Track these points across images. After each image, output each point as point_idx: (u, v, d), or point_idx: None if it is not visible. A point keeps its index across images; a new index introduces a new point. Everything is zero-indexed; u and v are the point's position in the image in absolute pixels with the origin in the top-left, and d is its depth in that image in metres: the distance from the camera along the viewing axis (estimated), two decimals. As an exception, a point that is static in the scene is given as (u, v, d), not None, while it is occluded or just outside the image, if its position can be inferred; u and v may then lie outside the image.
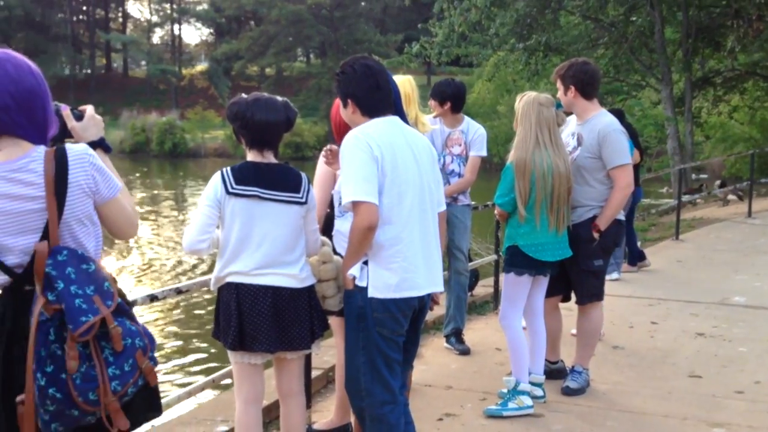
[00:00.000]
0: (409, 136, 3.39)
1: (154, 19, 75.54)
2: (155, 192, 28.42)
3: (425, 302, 3.42)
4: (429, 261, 3.37)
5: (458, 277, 5.84)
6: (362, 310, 3.27)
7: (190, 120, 49.54)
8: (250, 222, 3.29)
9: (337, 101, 3.72)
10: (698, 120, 21.68)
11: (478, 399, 4.91)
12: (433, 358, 5.79)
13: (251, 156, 3.40)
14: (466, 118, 5.80)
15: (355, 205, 3.17)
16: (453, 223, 5.67)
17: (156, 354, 2.42)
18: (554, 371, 5.26)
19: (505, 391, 4.74)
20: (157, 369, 2.40)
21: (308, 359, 4.36)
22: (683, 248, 10.90)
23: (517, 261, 4.67)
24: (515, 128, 4.75)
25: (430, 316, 6.75)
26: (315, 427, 4.29)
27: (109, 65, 73.28)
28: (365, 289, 3.26)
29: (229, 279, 3.31)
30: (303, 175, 3.45)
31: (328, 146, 3.90)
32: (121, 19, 75.14)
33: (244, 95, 3.48)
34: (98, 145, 2.56)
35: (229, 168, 3.37)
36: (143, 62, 69.79)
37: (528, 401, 4.64)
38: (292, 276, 3.34)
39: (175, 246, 16.99)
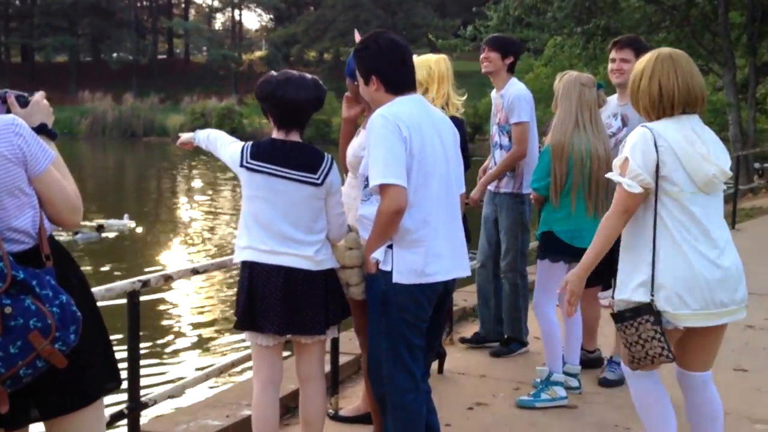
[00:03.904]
0: (434, 116, 3.31)
1: (216, 4, 76.46)
2: (215, 174, 28.78)
3: (451, 287, 3.34)
4: (454, 245, 3.29)
5: None
6: (385, 295, 3.20)
7: (249, 105, 50.01)
8: (261, 198, 3.29)
9: None
10: (763, 107, 21.02)
11: (512, 388, 4.81)
12: (469, 346, 5.69)
13: (277, 135, 3.38)
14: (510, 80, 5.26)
15: (383, 188, 3.10)
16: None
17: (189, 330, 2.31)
18: (591, 360, 5.13)
19: (538, 381, 4.64)
20: (181, 347, 2.31)
21: (336, 344, 4.33)
22: (739, 238, 10.50)
23: (552, 247, 4.54)
24: (554, 109, 4.62)
25: (470, 303, 6.67)
26: (341, 413, 4.25)
27: (171, 51, 74.36)
28: (389, 273, 3.19)
29: (245, 256, 3.31)
30: (326, 156, 3.39)
31: (347, 93, 3.81)
32: (183, 5, 76.12)
33: (273, 73, 3.45)
34: (41, 131, 2.47)
35: (250, 143, 3.39)
36: (204, 48, 70.65)
37: (561, 392, 4.53)
38: (307, 258, 3.30)
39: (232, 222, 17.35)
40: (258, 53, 70.70)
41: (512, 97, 5.13)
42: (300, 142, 3.39)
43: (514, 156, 5.16)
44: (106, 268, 12.76)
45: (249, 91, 59.06)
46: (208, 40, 68.25)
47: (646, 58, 3.29)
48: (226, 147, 3.48)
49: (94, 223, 16.30)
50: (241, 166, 3.32)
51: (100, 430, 2.43)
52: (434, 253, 3.18)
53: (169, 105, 53.38)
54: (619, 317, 3.21)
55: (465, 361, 5.34)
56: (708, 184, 3.17)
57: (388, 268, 3.18)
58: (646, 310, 3.13)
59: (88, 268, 12.80)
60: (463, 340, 5.73)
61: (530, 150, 5.19)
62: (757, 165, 20.30)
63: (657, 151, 3.13)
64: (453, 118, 4.18)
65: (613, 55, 4.87)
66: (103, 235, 15.80)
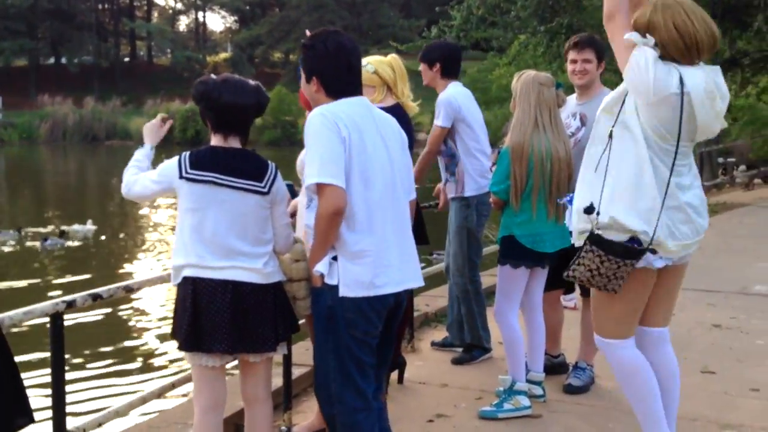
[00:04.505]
0: (378, 118, 3.13)
1: (179, 6, 75.79)
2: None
3: (402, 299, 3.14)
4: (404, 253, 3.10)
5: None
6: (331, 310, 3.01)
7: (213, 107, 49.52)
8: (204, 209, 3.07)
9: None
10: (726, 102, 21.13)
11: (474, 398, 4.64)
12: (430, 353, 5.52)
13: (215, 141, 3.18)
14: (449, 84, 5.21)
15: (319, 188, 2.92)
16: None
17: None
18: (556, 366, 4.99)
19: (502, 390, 4.47)
20: (118, 370, 2.08)
21: (288, 357, 4.13)
22: (705, 234, 10.50)
23: (513, 252, 4.38)
24: (512, 110, 4.47)
25: (432, 308, 6.51)
26: (294, 429, 4.06)
27: (134, 53, 73.49)
28: (335, 287, 2.99)
29: (186, 272, 3.07)
30: (271, 164, 3.22)
31: None
32: (145, 7, 75.28)
33: (213, 75, 3.26)
34: None
35: (188, 153, 3.16)
36: (168, 50, 69.99)
37: (525, 401, 4.37)
38: (254, 270, 3.10)
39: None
40: (223, 55, 70.10)
41: (437, 101, 5.08)
42: (242, 148, 3.19)
43: (421, 157, 5.13)
44: (70, 279, 12.38)
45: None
46: (171, 42, 67.63)
47: (649, 10, 3.17)
48: (151, 172, 3.23)
49: (57, 230, 16.02)
50: (181, 177, 3.09)
51: None
52: (382, 263, 3.00)
53: (131, 108, 52.70)
54: (603, 244, 3.17)
55: (426, 369, 5.16)
56: (703, 138, 3.28)
57: (334, 282, 2.99)
58: (636, 255, 3.15)
59: (60, 279, 12.45)
60: (433, 343, 5.59)
61: (465, 154, 5.09)
62: (720, 160, 20.44)
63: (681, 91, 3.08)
64: (398, 111, 4.05)
65: (573, 56, 4.73)
66: (67, 243, 15.49)
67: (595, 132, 3.33)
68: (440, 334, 5.83)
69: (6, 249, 14.92)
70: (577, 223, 3.32)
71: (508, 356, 4.44)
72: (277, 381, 4.35)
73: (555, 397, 4.64)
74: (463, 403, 4.58)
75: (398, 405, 4.51)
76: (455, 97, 5.08)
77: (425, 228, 4.56)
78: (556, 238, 4.38)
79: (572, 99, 4.77)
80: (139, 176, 3.24)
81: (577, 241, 3.33)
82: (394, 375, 4.78)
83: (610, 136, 3.20)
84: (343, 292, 2.97)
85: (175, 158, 3.13)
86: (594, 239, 3.20)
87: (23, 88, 57.13)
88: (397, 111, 4.17)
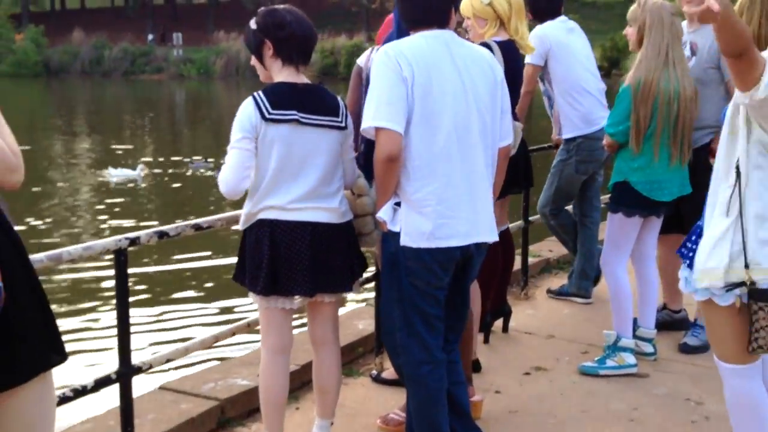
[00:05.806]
0: (459, 54, 2.90)
1: (349, -60, 75.89)
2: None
3: (472, 253, 2.93)
4: (475, 206, 2.89)
5: None
6: (395, 257, 2.90)
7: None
8: (288, 150, 2.94)
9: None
10: None
11: (579, 352, 4.42)
12: (544, 302, 5.31)
13: (284, 75, 3.03)
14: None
15: (376, 132, 2.79)
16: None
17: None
18: (677, 322, 4.66)
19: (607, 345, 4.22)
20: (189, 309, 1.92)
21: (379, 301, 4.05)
22: None
23: (627, 199, 4.06)
24: (630, 38, 4.07)
25: (556, 254, 6.24)
26: (383, 375, 4.01)
27: (305, -11, 74.77)
28: (398, 234, 2.87)
29: (263, 215, 2.98)
30: (338, 97, 3.11)
31: None
32: (317, -58, 76.06)
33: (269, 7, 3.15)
34: None
35: (261, 92, 2.99)
36: (338, -15, 70.55)
37: (630, 359, 4.10)
38: (331, 210, 3.01)
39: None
40: (390, -11, 69.92)
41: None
42: (314, 84, 3.09)
43: (521, 97, 4.43)
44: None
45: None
46: (342, -24, 68.05)
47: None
48: (231, 144, 2.99)
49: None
50: (265, 120, 2.93)
51: (45, 411, 2.08)
52: (445, 214, 2.82)
53: (301, 43, 53.79)
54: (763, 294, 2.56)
55: (536, 319, 4.96)
56: None
57: (397, 229, 2.86)
58: None
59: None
60: (549, 291, 5.40)
61: (560, 94, 4.86)
62: None
63: None
64: (510, 47, 3.84)
65: None
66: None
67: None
68: (559, 281, 5.59)
69: (183, 182, 15.93)
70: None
71: (614, 310, 4.18)
72: (370, 326, 4.34)
73: (668, 356, 4.34)
74: (567, 356, 4.37)
75: (498, 355, 4.38)
76: (546, 33, 4.78)
77: (531, 170, 4.34)
78: (674, 186, 4.04)
79: (684, 26, 4.31)
80: (227, 162, 2.97)
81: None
82: (499, 323, 4.64)
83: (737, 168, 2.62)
84: (404, 241, 2.84)
85: (248, 104, 2.98)
86: (754, 294, 2.62)
87: (202, 25, 59.62)
88: (508, 47, 3.93)
